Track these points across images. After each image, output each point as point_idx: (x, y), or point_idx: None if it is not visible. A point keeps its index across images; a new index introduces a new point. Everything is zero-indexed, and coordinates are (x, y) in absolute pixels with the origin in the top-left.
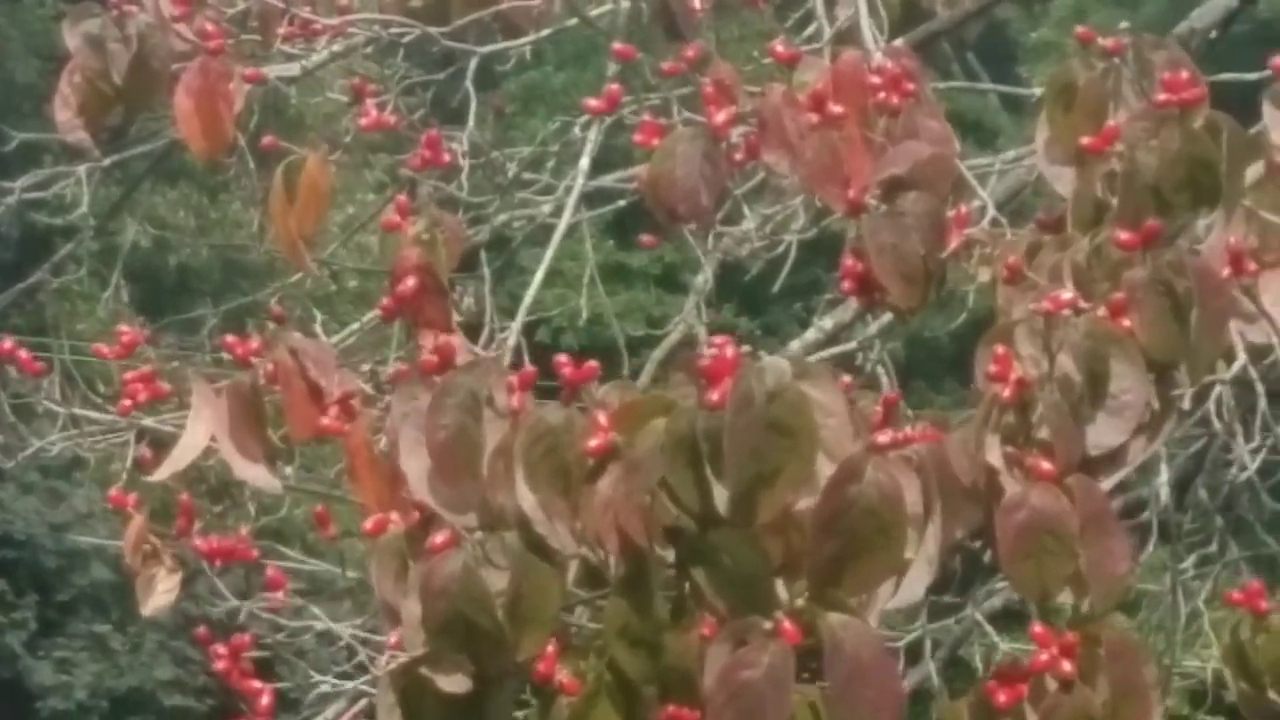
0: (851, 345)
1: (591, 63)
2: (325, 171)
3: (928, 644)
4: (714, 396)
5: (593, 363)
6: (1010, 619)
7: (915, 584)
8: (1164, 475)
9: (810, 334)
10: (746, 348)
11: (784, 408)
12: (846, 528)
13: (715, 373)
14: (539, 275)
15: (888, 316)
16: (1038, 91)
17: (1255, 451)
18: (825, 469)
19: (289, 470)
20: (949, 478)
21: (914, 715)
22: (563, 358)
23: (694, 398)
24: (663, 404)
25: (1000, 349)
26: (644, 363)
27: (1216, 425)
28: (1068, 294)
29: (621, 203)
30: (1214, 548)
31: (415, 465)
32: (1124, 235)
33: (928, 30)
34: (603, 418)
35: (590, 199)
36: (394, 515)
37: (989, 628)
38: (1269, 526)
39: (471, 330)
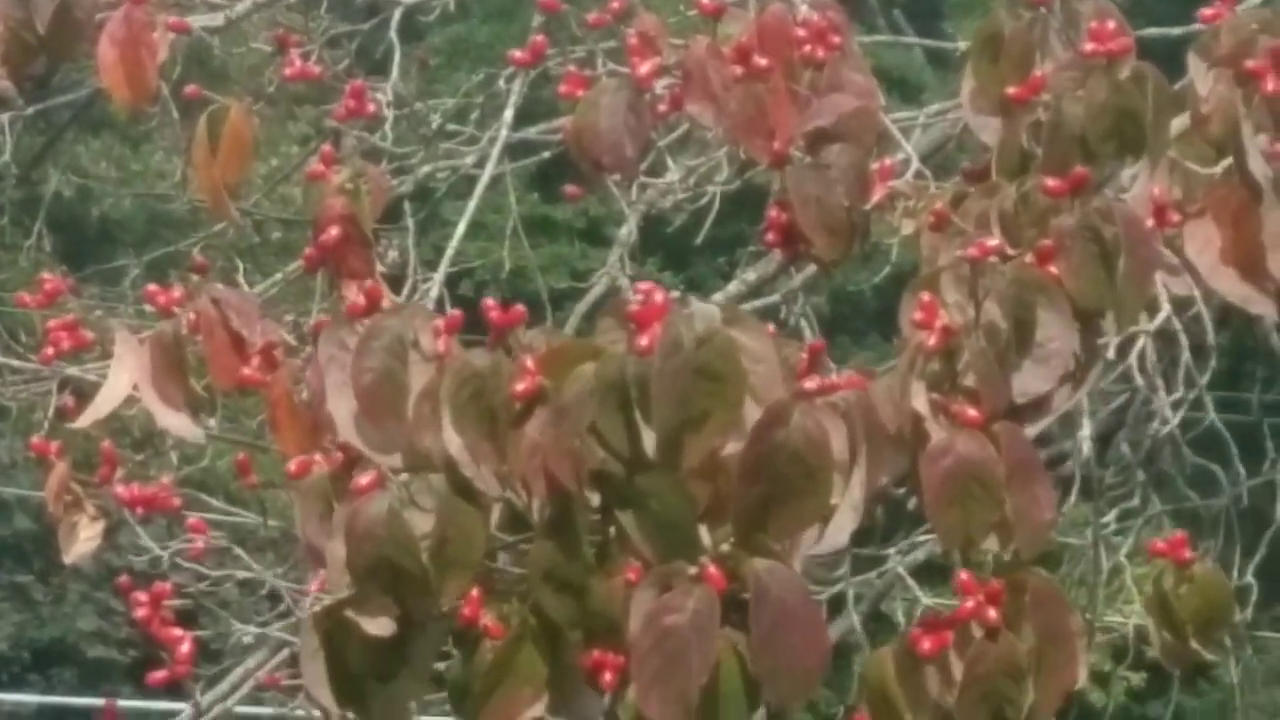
0: (775, 298)
1: (517, 16)
2: (248, 122)
3: (850, 595)
4: (643, 341)
5: (519, 307)
6: (933, 573)
7: (841, 530)
8: (1086, 429)
9: (733, 286)
10: (676, 294)
11: (712, 353)
12: (772, 473)
13: (644, 318)
14: (461, 227)
15: (811, 269)
16: (963, 46)
17: (1177, 405)
18: (753, 414)
19: (212, 420)
20: (875, 424)
21: (838, 668)
22: (490, 301)
23: (622, 343)
24: (590, 349)
25: (926, 296)
26: (568, 315)
27: (1139, 379)
28: (994, 240)
29: (546, 155)
30: (1136, 502)
31: (341, 407)
32: (1051, 182)
33: None
34: (530, 362)
35: (515, 151)
36: (318, 457)
37: (911, 581)
38: (1191, 481)
39: (395, 282)
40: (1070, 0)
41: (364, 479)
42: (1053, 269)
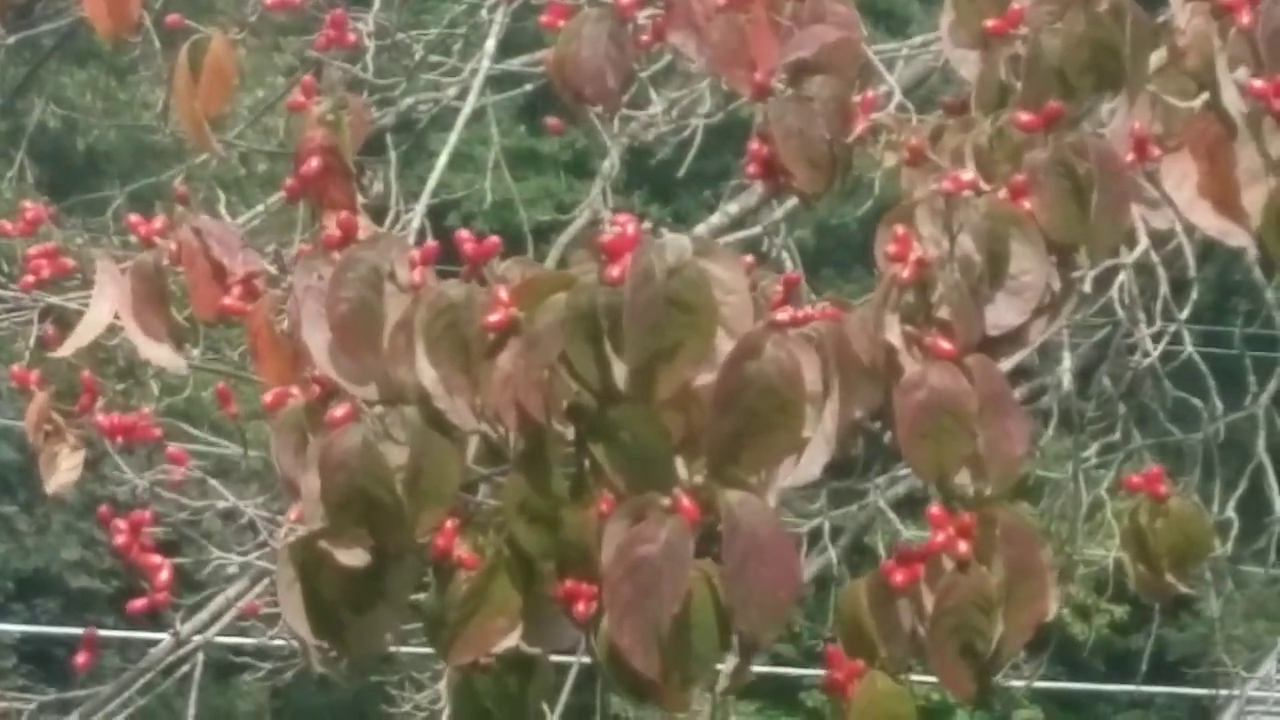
0: (756, 230)
1: None
2: (230, 52)
3: (826, 529)
4: (614, 272)
5: (494, 239)
6: (914, 505)
7: (813, 463)
8: (1067, 362)
9: (715, 218)
10: (648, 225)
11: (684, 284)
12: (745, 405)
13: (616, 249)
14: (442, 159)
15: (793, 202)
16: None
17: (1157, 338)
18: (725, 346)
19: (195, 350)
20: (848, 356)
21: (819, 601)
22: (464, 233)
23: (595, 274)
24: (564, 280)
25: (900, 229)
26: (553, 247)
27: (1119, 313)
28: (968, 175)
29: (529, 87)
30: (1117, 436)
31: (317, 338)
32: (1025, 117)
33: None
34: (504, 293)
35: (498, 82)
36: (294, 390)
37: (892, 514)
38: (1172, 415)
39: (378, 213)
40: None
41: (338, 411)
42: (1027, 203)
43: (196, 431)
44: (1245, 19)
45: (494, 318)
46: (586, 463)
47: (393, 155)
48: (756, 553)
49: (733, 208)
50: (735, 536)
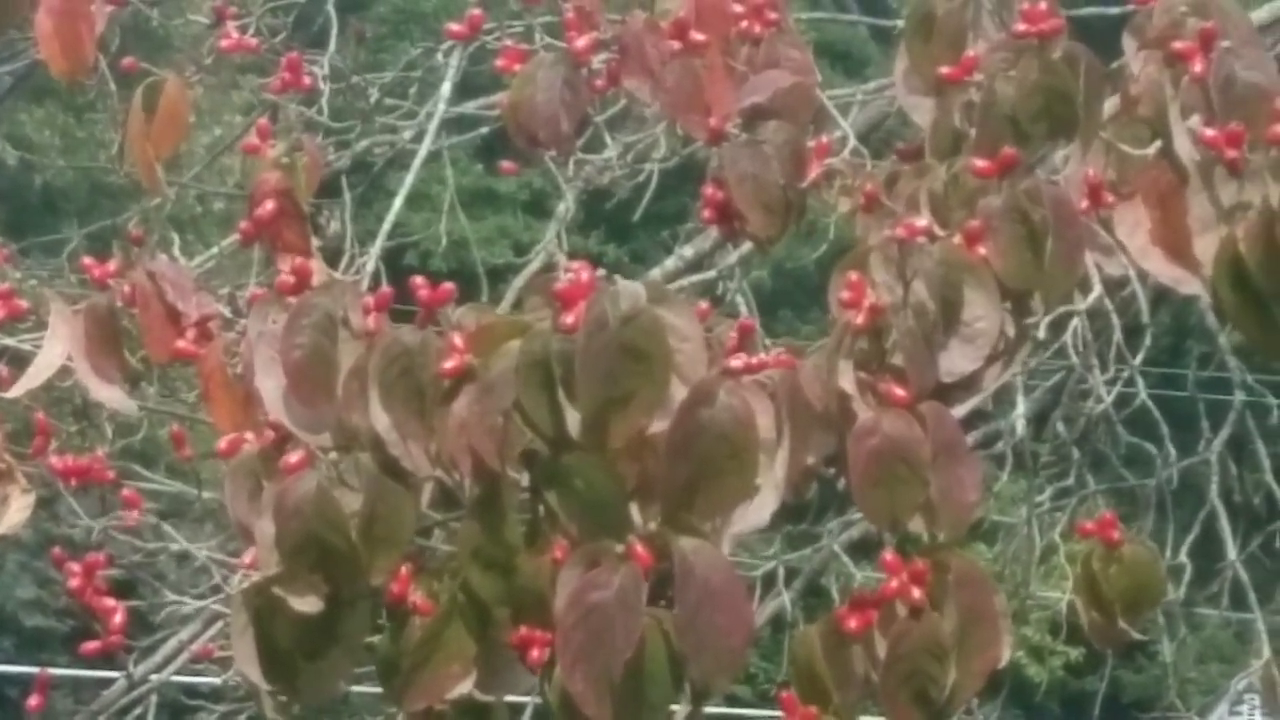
0: (711, 274)
1: None
2: (184, 94)
3: (781, 573)
4: (568, 319)
5: (448, 285)
6: (869, 548)
7: (763, 509)
8: (1021, 407)
9: (670, 262)
10: (603, 272)
11: (638, 331)
12: (699, 452)
13: (570, 296)
14: (397, 201)
15: (749, 246)
16: (903, 22)
17: (1111, 383)
18: (679, 393)
19: (151, 389)
20: (801, 403)
21: (774, 644)
22: (419, 279)
23: (549, 321)
24: (518, 326)
25: (854, 275)
26: (509, 288)
27: (1074, 357)
28: (923, 221)
29: (484, 130)
30: (1071, 480)
31: (270, 385)
32: (980, 163)
33: None
34: (458, 339)
35: (455, 124)
36: (249, 435)
37: (845, 558)
38: (1126, 460)
39: (334, 255)
40: None
41: (293, 457)
42: (981, 250)
43: (150, 474)
44: (1198, 67)
45: (449, 364)
46: (540, 509)
47: (348, 197)
48: (709, 600)
49: (688, 251)
50: (688, 583)
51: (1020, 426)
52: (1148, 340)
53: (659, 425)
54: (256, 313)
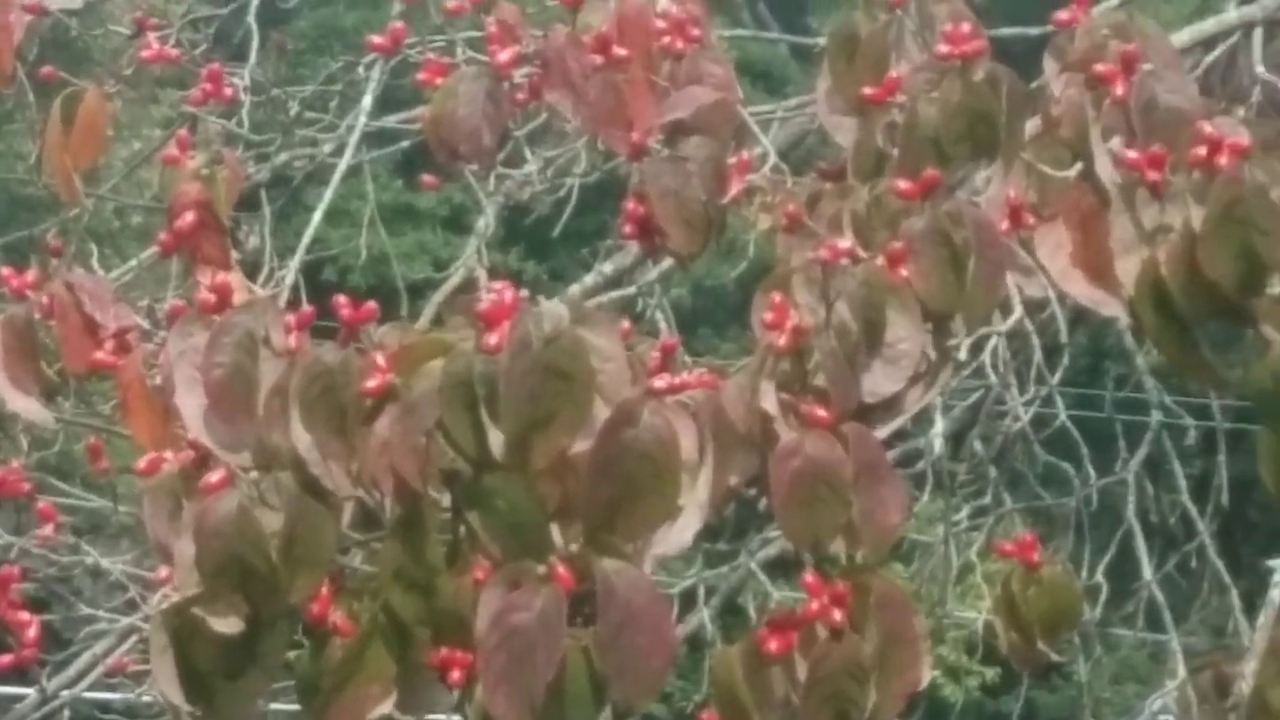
0: (631, 290)
1: (383, 3)
2: (103, 105)
3: (701, 591)
4: (491, 340)
5: (371, 304)
6: (787, 567)
7: (684, 530)
8: (939, 426)
9: (590, 279)
10: (525, 292)
11: (560, 352)
12: (621, 472)
13: (493, 316)
14: (316, 215)
15: (669, 262)
16: (823, 42)
17: (1029, 403)
18: (602, 413)
19: (67, 403)
20: (724, 424)
21: (692, 662)
22: (341, 298)
23: (472, 340)
24: (441, 346)
25: (777, 297)
26: (428, 303)
27: (992, 377)
28: (845, 243)
29: (405, 144)
30: (988, 499)
31: (190, 403)
32: (903, 184)
33: None
34: (380, 359)
35: (376, 138)
36: (168, 454)
37: (763, 576)
38: (1043, 479)
39: (253, 269)
40: (925, 2)
41: (213, 477)
42: (903, 271)
43: (67, 487)
44: (1119, 90)
45: (371, 384)
46: (462, 530)
47: (267, 211)
48: (631, 621)
49: (608, 267)
50: (610, 605)
51: (938, 445)
52: (1066, 360)
53: (581, 445)
54: (177, 330)
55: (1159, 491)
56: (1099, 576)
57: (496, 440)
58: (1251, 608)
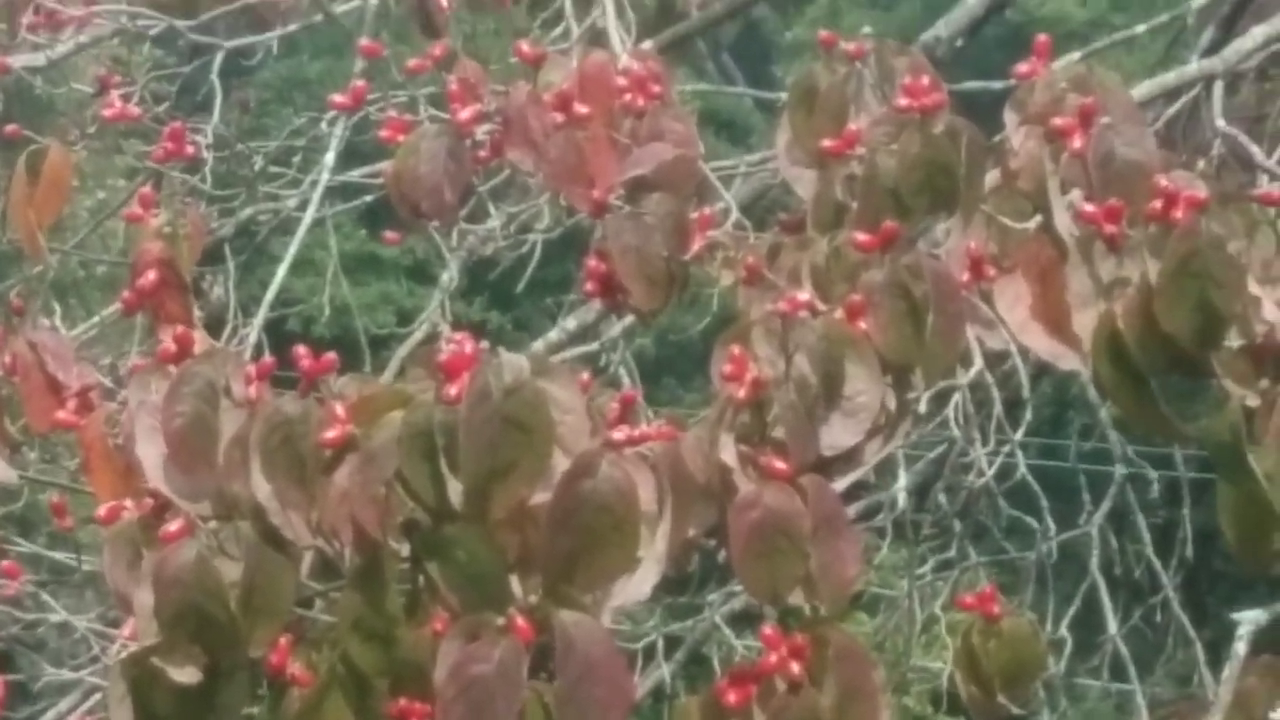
0: (594, 346)
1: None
2: (67, 160)
3: (660, 644)
4: (451, 391)
5: (331, 354)
6: (751, 620)
7: (642, 582)
8: (903, 479)
9: (553, 334)
10: (486, 344)
11: (520, 403)
12: (580, 524)
13: (453, 368)
14: (281, 270)
15: (632, 317)
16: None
17: (992, 456)
18: (561, 465)
19: (32, 456)
20: (683, 476)
21: (654, 714)
22: (302, 349)
23: (432, 391)
24: (401, 397)
25: (736, 349)
26: (392, 356)
27: (955, 430)
28: (804, 295)
29: (369, 197)
30: (953, 552)
31: (150, 453)
32: (862, 237)
33: (680, 31)
34: (340, 409)
35: (340, 192)
36: (128, 503)
37: (727, 629)
38: (1007, 532)
39: (217, 323)
40: (885, 54)
41: (172, 526)
42: (862, 324)
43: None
44: (1077, 143)
45: (330, 434)
46: (421, 580)
47: (231, 265)
48: (589, 673)
49: (571, 323)
50: (569, 657)
51: (902, 499)
52: (1029, 414)
53: (541, 496)
54: (137, 381)
55: (1123, 543)
56: (1064, 629)
57: (456, 490)
58: (1216, 659)
